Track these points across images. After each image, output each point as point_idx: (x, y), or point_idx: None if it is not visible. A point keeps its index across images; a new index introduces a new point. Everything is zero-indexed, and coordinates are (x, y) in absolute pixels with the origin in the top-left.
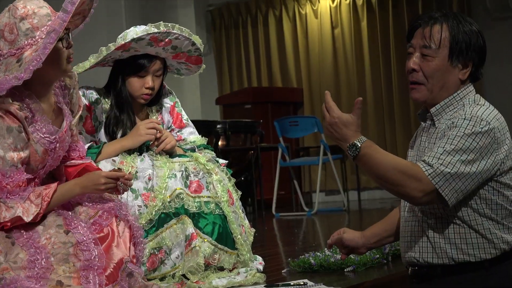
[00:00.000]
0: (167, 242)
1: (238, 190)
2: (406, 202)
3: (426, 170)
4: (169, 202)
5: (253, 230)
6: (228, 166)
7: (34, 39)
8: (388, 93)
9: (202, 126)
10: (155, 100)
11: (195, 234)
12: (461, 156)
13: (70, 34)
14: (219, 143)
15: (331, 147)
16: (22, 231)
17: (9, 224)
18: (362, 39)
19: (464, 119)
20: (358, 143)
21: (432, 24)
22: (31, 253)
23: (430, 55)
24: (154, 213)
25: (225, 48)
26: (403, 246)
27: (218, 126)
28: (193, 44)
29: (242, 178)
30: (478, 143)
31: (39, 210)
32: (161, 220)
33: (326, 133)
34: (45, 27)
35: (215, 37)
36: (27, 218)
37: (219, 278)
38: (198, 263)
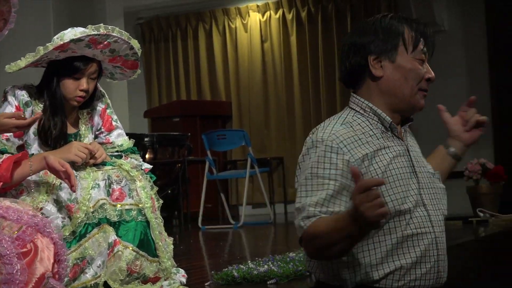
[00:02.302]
0: (90, 251)
1: (160, 199)
2: (438, 216)
3: None
4: (93, 213)
5: (171, 238)
6: (153, 173)
7: None
8: (317, 107)
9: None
10: (88, 103)
11: (117, 240)
12: None
13: None
14: (147, 156)
15: (258, 160)
16: None
17: None
18: (291, 53)
19: None
20: None
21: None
22: None
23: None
24: (77, 225)
25: (155, 61)
26: (439, 269)
27: (146, 139)
28: (131, 48)
29: (169, 191)
30: None
31: None
32: (83, 230)
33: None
34: None
35: (145, 50)
36: None
37: None
38: (120, 268)
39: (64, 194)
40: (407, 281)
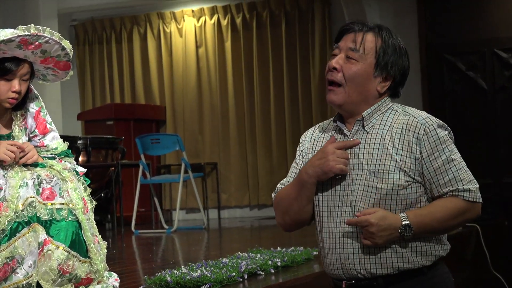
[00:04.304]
0: (19, 251)
1: (93, 201)
2: (341, 212)
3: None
4: (22, 211)
5: (105, 242)
6: (86, 176)
7: None
8: (251, 112)
9: None
10: (21, 104)
11: (48, 240)
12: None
13: None
14: (80, 159)
15: (192, 165)
16: None
17: None
18: (225, 59)
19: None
20: (406, 221)
21: (366, 31)
22: None
23: (355, 59)
24: (6, 223)
25: (89, 64)
26: (336, 258)
27: (79, 141)
28: (63, 49)
29: (102, 195)
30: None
31: None
32: (13, 229)
33: (380, 242)
34: None
35: (79, 52)
36: None
37: None
38: (51, 267)
39: None
40: (325, 266)
